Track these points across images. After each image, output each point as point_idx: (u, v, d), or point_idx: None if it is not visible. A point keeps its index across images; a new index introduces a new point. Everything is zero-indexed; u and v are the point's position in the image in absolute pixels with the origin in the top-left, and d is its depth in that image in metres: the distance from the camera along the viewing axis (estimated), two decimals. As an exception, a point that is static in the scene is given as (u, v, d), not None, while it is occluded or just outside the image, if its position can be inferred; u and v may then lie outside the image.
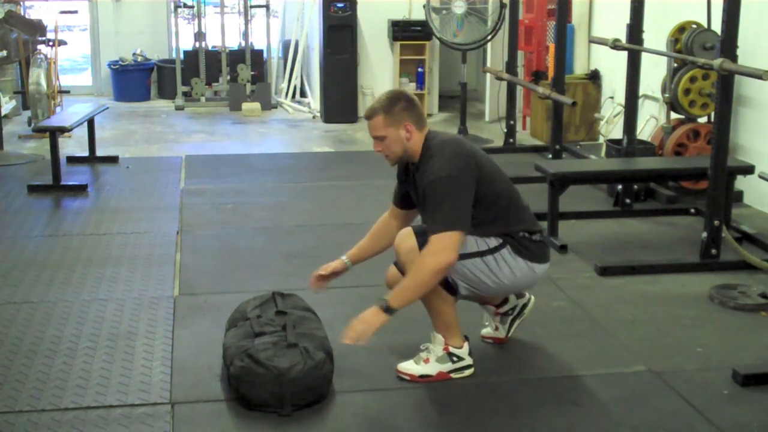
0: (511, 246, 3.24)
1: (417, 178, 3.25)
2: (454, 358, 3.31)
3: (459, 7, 7.84)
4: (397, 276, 3.24)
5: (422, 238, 3.11)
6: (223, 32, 10.05)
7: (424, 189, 3.14)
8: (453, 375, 3.32)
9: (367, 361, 3.47)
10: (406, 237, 3.20)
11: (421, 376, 3.30)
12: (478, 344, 3.62)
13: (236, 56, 10.11)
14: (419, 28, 8.95)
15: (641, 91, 6.00)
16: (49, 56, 8.34)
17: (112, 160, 7.10)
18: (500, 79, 7.82)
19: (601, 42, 6.00)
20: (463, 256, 3.15)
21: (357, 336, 2.99)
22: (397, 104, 3.18)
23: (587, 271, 4.60)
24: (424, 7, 8.02)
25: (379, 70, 9.32)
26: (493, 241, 3.22)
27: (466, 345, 3.34)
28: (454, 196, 3.06)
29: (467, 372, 3.34)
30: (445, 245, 3.01)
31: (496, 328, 3.63)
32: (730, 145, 4.66)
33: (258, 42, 10.52)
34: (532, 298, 3.66)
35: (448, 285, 3.21)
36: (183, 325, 3.86)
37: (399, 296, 3.03)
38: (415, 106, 3.21)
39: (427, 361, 3.31)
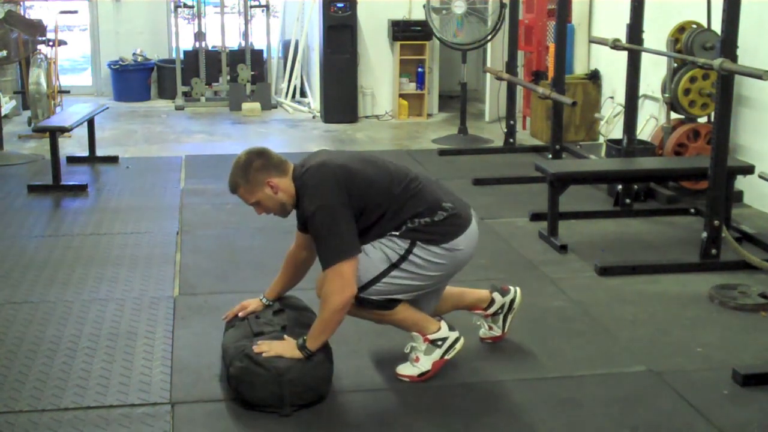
0: (420, 240, 3.13)
1: (300, 217, 3.25)
2: (439, 342, 3.31)
3: (459, 7, 7.84)
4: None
5: None
6: (223, 32, 10.05)
7: (307, 225, 3.13)
8: (447, 357, 3.34)
9: (367, 361, 3.48)
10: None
11: (420, 375, 3.31)
12: (477, 345, 3.63)
13: (236, 56, 10.11)
14: (419, 28, 8.95)
15: (641, 91, 5.99)
16: (49, 56, 8.35)
17: (112, 160, 7.11)
18: (500, 79, 7.82)
19: (601, 42, 6.00)
20: (380, 275, 3.13)
21: (270, 351, 3.08)
22: (250, 168, 3.15)
23: (587, 271, 4.59)
24: (424, 7, 8.03)
25: (379, 70, 9.32)
26: (402, 243, 3.14)
27: (442, 324, 3.34)
28: (332, 226, 3.03)
29: (458, 346, 3.35)
30: (341, 281, 3.03)
31: (490, 328, 3.65)
32: (730, 145, 4.66)
33: (258, 42, 10.52)
34: (518, 290, 3.67)
35: (382, 304, 3.20)
36: (183, 325, 3.86)
37: (314, 339, 3.10)
38: (268, 159, 3.17)
39: (417, 359, 3.32)
